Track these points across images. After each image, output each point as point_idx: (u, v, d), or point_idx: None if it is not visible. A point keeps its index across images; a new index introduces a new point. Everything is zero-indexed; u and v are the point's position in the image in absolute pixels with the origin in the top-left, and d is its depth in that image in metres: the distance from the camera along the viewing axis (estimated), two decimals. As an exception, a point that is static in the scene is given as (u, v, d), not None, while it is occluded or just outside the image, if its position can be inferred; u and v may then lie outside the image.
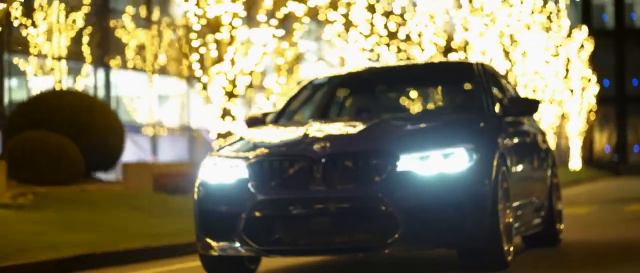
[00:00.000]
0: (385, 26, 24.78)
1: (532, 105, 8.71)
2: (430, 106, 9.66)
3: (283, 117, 9.02)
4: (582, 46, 44.64)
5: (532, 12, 36.08)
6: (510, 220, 7.92)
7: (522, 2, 34.11)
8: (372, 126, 7.89)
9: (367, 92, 9.62)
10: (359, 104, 9.46)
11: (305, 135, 7.72)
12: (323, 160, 7.32)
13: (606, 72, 53.52)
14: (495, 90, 9.02)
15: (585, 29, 45.08)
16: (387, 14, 25.09)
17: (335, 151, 7.38)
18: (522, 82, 35.18)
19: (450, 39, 29.12)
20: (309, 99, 9.49)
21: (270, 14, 18.14)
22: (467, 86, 9.21)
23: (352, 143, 7.55)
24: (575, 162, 46.30)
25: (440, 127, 7.90)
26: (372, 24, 24.13)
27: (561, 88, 41.16)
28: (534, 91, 37.03)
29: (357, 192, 7.27)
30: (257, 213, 7.39)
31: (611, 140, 59.28)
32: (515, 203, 8.21)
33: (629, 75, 59.23)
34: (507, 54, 32.80)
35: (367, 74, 9.89)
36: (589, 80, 45.58)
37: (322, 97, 9.55)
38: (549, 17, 39.46)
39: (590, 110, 47.01)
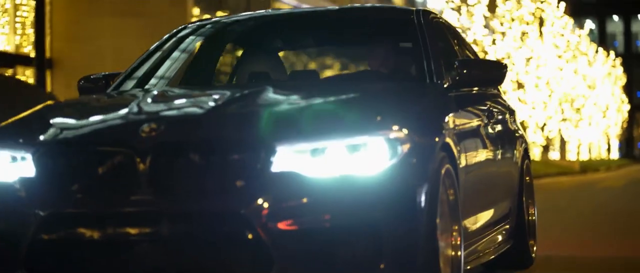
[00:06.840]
0: None
1: (494, 71, 5.61)
2: (348, 71, 6.92)
3: (128, 82, 5.89)
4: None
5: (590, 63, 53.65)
6: (459, 246, 4.93)
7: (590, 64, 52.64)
8: (237, 100, 4.83)
9: (264, 48, 6.61)
10: (251, 67, 6.23)
11: (129, 113, 4.74)
12: (151, 153, 4.32)
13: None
14: (444, 50, 6.03)
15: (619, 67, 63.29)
16: None
17: (172, 139, 4.39)
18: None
19: None
20: (176, 57, 6.22)
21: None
22: (403, 43, 6.35)
23: (199, 128, 4.49)
24: (614, 154, 66.45)
25: (347, 103, 4.79)
26: None
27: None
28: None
29: (205, 205, 4.27)
30: (45, 236, 4.39)
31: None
32: (469, 220, 5.40)
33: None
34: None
35: (263, 22, 6.64)
36: (623, 101, 64.03)
37: (194, 56, 6.34)
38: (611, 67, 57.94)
39: (624, 120, 65.20)
